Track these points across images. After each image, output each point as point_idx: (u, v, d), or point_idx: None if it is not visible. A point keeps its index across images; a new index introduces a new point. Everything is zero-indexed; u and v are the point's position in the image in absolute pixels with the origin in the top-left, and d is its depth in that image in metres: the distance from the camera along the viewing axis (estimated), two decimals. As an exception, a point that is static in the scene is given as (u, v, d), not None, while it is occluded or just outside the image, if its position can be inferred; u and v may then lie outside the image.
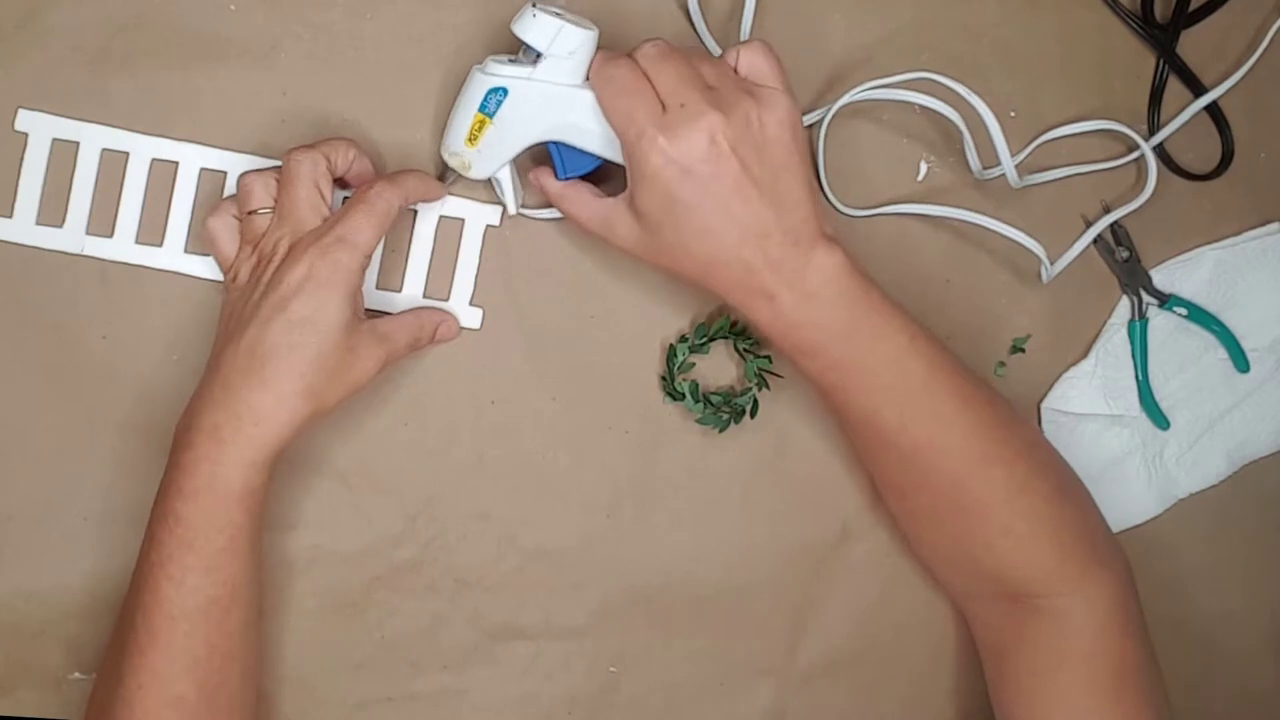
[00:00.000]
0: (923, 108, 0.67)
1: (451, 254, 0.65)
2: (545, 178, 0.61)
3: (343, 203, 0.58)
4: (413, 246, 0.65)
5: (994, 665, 0.64)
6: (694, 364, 0.67)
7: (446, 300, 0.65)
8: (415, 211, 0.65)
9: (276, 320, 0.55)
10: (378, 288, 0.65)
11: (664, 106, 0.55)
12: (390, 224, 0.58)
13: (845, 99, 0.66)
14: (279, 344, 0.55)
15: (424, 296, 0.65)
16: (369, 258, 0.57)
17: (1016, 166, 0.65)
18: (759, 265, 0.56)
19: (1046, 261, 0.66)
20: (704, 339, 0.66)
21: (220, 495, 0.55)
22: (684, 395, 0.66)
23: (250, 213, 0.59)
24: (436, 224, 0.65)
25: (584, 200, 0.60)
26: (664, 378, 0.67)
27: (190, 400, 0.57)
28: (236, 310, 0.57)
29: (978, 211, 0.66)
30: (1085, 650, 0.60)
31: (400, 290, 0.65)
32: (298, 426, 0.56)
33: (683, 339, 0.66)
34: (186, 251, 0.64)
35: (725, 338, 0.67)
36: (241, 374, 0.55)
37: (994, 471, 0.60)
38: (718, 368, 0.68)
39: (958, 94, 0.65)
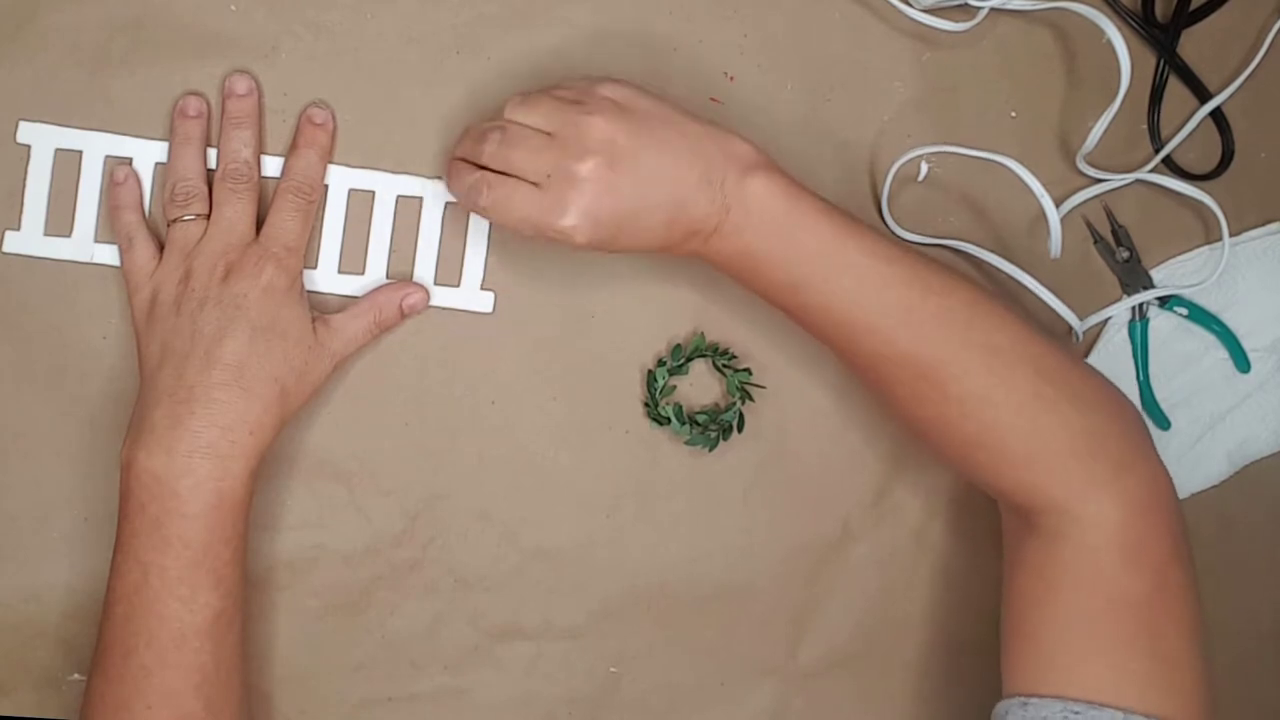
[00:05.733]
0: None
1: (460, 239, 0.65)
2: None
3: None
4: (420, 233, 0.65)
5: (1005, 580, 0.60)
6: (674, 387, 0.67)
7: (458, 286, 0.65)
8: (421, 200, 0.64)
9: (244, 332, 0.57)
10: (388, 275, 0.65)
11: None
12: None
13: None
14: (251, 353, 0.57)
15: (435, 284, 0.65)
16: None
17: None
18: (705, 187, 0.55)
19: (1078, 330, 0.67)
20: (681, 360, 0.66)
21: (228, 508, 0.56)
22: (669, 419, 0.66)
23: (179, 220, 0.60)
24: (443, 211, 0.65)
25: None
26: (646, 404, 0.66)
27: (156, 429, 0.56)
28: (183, 328, 0.58)
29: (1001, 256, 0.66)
30: (1076, 579, 0.55)
31: (411, 277, 0.65)
32: (278, 429, 0.58)
33: (660, 363, 0.66)
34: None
35: (703, 356, 0.66)
36: (223, 388, 0.56)
37: (965, 369, 0.56)
38: (702, 386, 0.67)
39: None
